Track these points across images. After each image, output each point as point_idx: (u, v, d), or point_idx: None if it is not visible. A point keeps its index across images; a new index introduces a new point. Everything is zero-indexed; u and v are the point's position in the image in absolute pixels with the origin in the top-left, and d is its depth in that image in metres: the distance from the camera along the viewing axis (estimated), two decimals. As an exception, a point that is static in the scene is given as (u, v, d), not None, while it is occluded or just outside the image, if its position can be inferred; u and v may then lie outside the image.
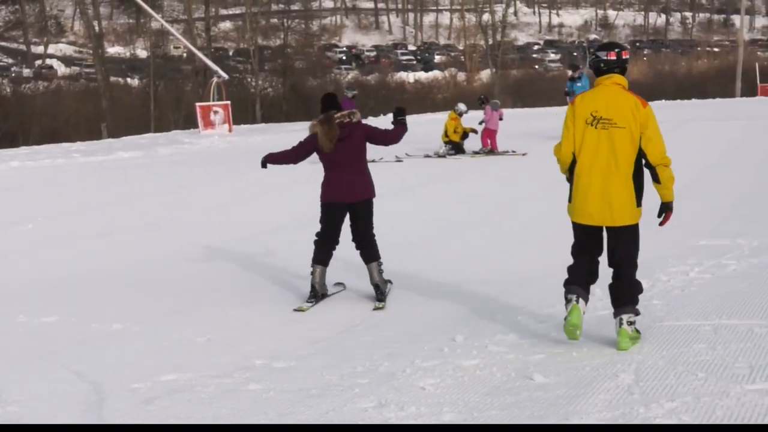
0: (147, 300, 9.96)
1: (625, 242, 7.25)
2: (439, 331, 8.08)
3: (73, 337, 8.42)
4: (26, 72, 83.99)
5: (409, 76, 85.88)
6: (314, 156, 9.55)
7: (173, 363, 7.46)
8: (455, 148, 24.44)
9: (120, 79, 75.28)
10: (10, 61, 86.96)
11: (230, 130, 36.81)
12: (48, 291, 10.59)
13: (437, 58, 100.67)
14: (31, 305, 9.74)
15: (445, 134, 24.70)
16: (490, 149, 24.42)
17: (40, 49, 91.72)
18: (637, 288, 7.36)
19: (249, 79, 70.70)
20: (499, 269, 10.66)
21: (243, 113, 57.51)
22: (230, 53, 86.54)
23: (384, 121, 38.97)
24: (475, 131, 24.61)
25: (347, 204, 9.40)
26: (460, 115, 24.89)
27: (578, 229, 7.39)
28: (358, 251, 9.61)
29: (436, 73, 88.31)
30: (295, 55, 75.25)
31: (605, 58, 7.29)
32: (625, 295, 7.27)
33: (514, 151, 24.06)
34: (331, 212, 9.43)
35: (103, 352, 7.94)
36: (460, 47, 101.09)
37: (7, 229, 15.14)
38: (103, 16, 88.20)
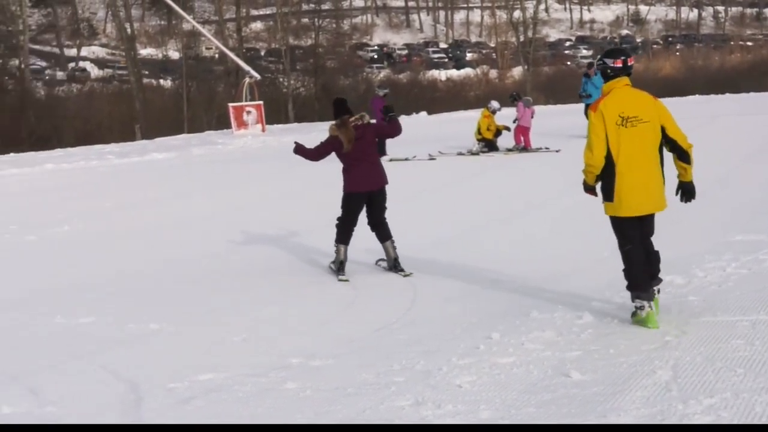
0: (183, 300, 10.01)
1: (651, 223, 7.98)
2: (475, 329, 8.06)
3: (110, 338, 8.47)
4: (60, 75, 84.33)
5: (441, 74, 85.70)
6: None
7: (210, 362, 7.48)
8: (488, 145, 24.36)
9: (153, 81, 75.59)
10: (44, 64, 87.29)
11: (263, 130, 36.82)
12: (84, 292, 10.65)
13: (469, 56, 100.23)
14: (68, 306, 9.79)
15: (478, 132, 24.63)
16: (523, 146, 24.33)
17: (73, 52, 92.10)
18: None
19: (281, 79, 70.77)
20: (534, 266, 10.62)
21: (276, 113, 57.54)
22: (262, 53, 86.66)
23: (417, 120, 39.02)
24: (508, 129, 24.53)
25: (368, 192, 10.94)
26: (493, 112, 24.80)
27: (626, 223, 7.84)
28: (374, 232, 11.08)
29: (467, 71, 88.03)
30: (327, 55, 75.22)
31: (612, 65, 7.82)
32: (657, 268, 7.96)
33: (547, 148, 23.97)
34: (355, 200, 10.96)
35: (140, 352, 7.98)
36: (492, 44, 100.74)
37: (43, 231, 15.22)
38: (135, 18, 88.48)
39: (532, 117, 24.83)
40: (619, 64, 7.78)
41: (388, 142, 23.90)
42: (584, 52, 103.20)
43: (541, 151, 23.82)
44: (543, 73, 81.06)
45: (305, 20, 79.49)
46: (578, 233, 12.22)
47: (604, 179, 7.82)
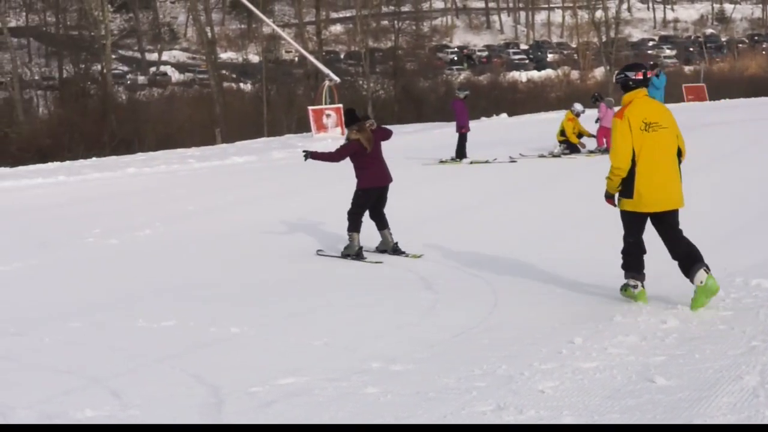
0: (264, 303, 10.04)
1: (673, 218, 8.74)
2: (557, 333, 7.98)
3: (191, 341, 8.51)
4: (141, 79, 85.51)
5: (522, 76, 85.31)
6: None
7: (290, 366, 7.46)
8: (570, 147, 24.14)
9: (233, 85, 76.34)
10: (126, 68, 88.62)
11: (343, 133, 36.85)
12: (166, 295, 10.75)
13: (550, 57, 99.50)
14: (149, 309, 9.86)
15: (561, 133, 24.40)
16: (605, 148, 24.04)
17: (154, 57, 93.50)
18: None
19: (360, 82, 71.04)
20: (617, 270, 10.38)
21: (355, 116, 57.62)
22: (341, 56, 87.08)
23: (497, 122, 38.81)
24: (593, 135, 24.30)
25: (382, 187, 12.47)
26: (577, 115, 24.56)
27: (637, 219, 8.74)
28: (375, 221, 12.55)
29: (548, 72, 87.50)
30: (406, 57, 75.32)
31: (634, 77, 8.73)
32: (697, 253, 8.60)
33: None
34: (371, 195, 12.42)
35: (221, 356, 8.01)
36: (573, 45, 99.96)
37: (125, 234, 15.40)
38: (215, 22, 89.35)
39: (614, 118, 24.52)
40: (640, 77, 8.72)
41: (469, 144, 23.84)
42: (668, 52, 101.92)
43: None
44: (625, 74, 79.99)
45: (385, 22, 79.72)
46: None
47: (624, 179, 8.65)
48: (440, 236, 13.66)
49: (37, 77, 75.01)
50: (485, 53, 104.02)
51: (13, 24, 78.80)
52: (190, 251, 13.86)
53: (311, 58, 45.45)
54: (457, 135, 24.02)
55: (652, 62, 31.82)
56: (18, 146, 54.87)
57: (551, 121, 29.38)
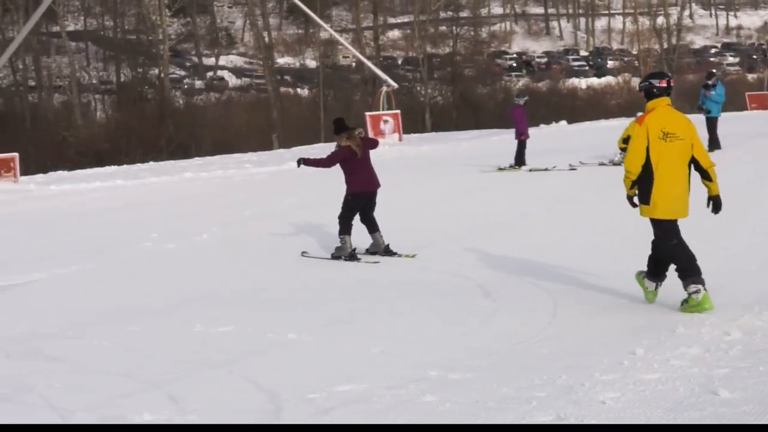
0: (321, 309, 10.01)
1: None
2: (618, 344, 7.87)
3: (249, 347, 8.50)
4: (198, 84, 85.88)
5: (581, 83, 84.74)
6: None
7: (348, 373, 7.42)
8: (630, 154, 23.81)
9: (290, 90, 76.64)
10: (183, 73, 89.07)
11: (400, 139, 36.86)
12: (223, 300, 10.78)
13: (610, 63, 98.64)
14: (207, 314, 9.88)
15: (623, 141, 24.07)
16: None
17: (211, 61, 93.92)
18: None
19: (418, 88, 71.00)
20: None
21: (412, 122, 57.67)
22: (399, 62, 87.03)
23: (557, 129, 38.51)
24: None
25: (371, 192, 13.16)
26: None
27: (668, 223, 8.95)
28: (366, 225, 13.16)
29: (609, 79, 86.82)
30: (464, 63, 75.21)
31: (658, 85, 8.99)
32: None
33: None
34: (360, 199, 13.08)
35: (279, 362, 7.98)
36: (634, 52, 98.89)
37: (182, 239, 15.50)
38: (273, 26, 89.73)
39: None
40: (664, 84, 8.99)
41: (528, 151, 23.66)
42: (731, 60, 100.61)
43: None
44: (687, 81, 79.18)
45: (443, 28, 79.61)
46: (726, 247, 11.84)
47: (643, 185, 8.95)
48: (499, 244, 13.54)
49: (94, 81, 75.79)
50: (544, 60, 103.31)
51: (71, 28, 79.68)
52: (246, 256, 13.88)
53: (368, 63, 45.45)
54: (516, 142, 23.87)
55: (710, 71, 31.24)
56: (76, 150, 55.68)
57: (611, 128, 29.07)
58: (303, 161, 13.68)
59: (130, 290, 11.64)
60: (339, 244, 13.07)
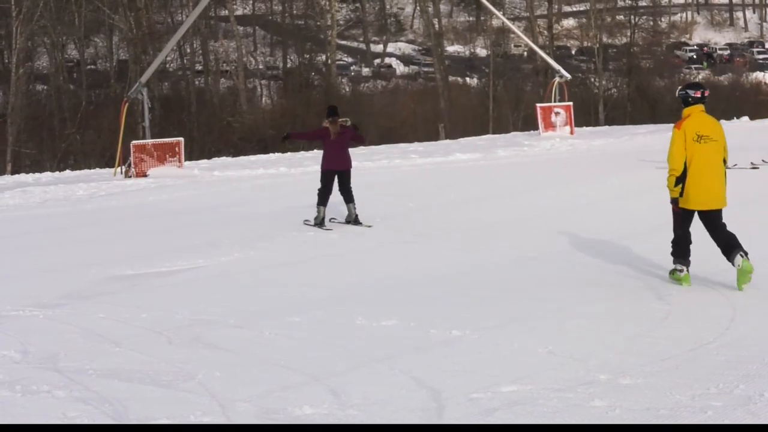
0: (487, 306, 9.81)
1: (717, 216, 10.46)
2: (801, 354, 7.49)
3: (411, 342, 8.37)
4: (365, 71, 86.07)
5: (766, 77, 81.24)
6: None
7: (513, 374, 7.27)
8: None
9: (458, 79, 75.89)
10: (350, 59, 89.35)
11: (572, 133, 35.80)
12: (387, 293, 10.64)
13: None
14: (369, 307, 9.77)
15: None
16: None
17: (379, 48, 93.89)
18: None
19: (592, 79, 69.36)
20: None
21: (585, 115, 56.39)
22: (572, 52, 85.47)
23: (738, 125, 36.60)
24: None
25: (337, 170, 15.47)
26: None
27: (687, 216, 10.46)
28: (343, 196, 15.57)
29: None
30: (642, 54, 73.04)
31: (693, 95, 10.50)
32: (736, 241, 10.25)
33: None
34: (329, 175, 15.48)
35: (442, 359, 7.82)
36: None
37: (344, 228, 15.49)
38: (443, 13, 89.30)
39: None
40: (698, 95, 10.48)
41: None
42: None
43: None
44: None
45: (620, 17, 77.71)
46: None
47: (681, 180, 10.29)
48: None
49: (261, 66, 76.48)
50: (727, 52, 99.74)
51: (239, 12, 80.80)
52: (411, 249, 13.66)
53: (541, 53, 44.14)
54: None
55: None
56: (240, 136, 56.19)
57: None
58: (289, 135, 16.92)
59: (291, 280, 11.60)
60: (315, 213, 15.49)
